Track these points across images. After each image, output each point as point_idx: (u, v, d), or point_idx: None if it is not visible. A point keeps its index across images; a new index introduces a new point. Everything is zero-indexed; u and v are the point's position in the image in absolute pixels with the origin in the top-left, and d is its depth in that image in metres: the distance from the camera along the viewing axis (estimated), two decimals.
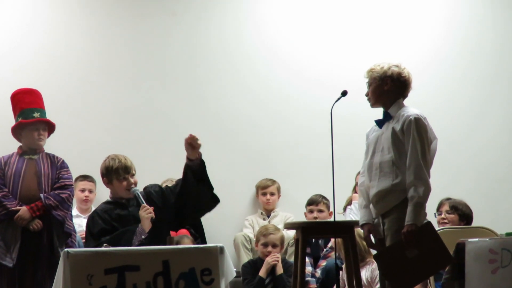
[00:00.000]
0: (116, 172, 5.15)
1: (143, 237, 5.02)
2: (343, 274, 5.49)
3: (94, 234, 5.07)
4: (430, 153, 4.59)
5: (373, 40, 7.39)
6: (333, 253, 6.04)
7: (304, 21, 7.42)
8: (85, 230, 5.22)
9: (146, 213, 5.06)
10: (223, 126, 7.27)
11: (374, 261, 5.66)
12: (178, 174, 6.82)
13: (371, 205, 4.69)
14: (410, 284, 4.60)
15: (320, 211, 6.66)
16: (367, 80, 4.74)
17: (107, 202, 5.26)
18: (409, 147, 4.51)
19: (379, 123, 4.72)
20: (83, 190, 6.82)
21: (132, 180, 5.19)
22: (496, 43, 7.53)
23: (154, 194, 5.26)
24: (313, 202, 6.69)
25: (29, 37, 7.16)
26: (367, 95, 4.75)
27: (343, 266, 5.40)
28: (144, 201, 5.12)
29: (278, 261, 6.02)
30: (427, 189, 4.48)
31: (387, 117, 4.68)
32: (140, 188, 5.26)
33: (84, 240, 6.13)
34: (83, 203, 6.83)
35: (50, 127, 5.81)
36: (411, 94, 4.76)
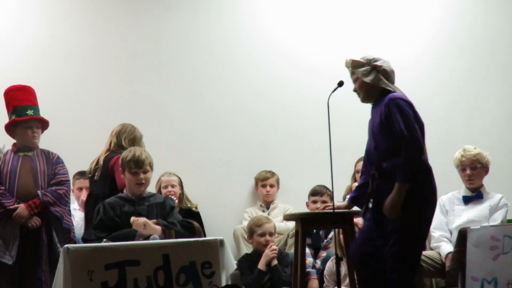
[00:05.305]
0: (127, 164, 5.11)
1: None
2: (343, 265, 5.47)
3: (93, 225, 5.07)
4: None
5: (368, 31, 7.38)
6: (333, 243, 6.02)
7: (302, 12, 7.40)
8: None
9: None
10: (221, 118, 7.23)
11: None
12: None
13: None
14: None
15: (324, 202, 6.58)
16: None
17: (118, 197, 5.21)
18: None
19: None
20: (80, 189, 6.75)
21: (142, 176, 5.12)
22: (488, 32, 7.51)
23: (167, 209, 5.19)
24: (318, 192, 6.57)
25: (20, 33, 7.10)
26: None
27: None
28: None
29: (276, 253, 5.97)
30: None
31: None
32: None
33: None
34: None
35: (43, 124, 5.81)
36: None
